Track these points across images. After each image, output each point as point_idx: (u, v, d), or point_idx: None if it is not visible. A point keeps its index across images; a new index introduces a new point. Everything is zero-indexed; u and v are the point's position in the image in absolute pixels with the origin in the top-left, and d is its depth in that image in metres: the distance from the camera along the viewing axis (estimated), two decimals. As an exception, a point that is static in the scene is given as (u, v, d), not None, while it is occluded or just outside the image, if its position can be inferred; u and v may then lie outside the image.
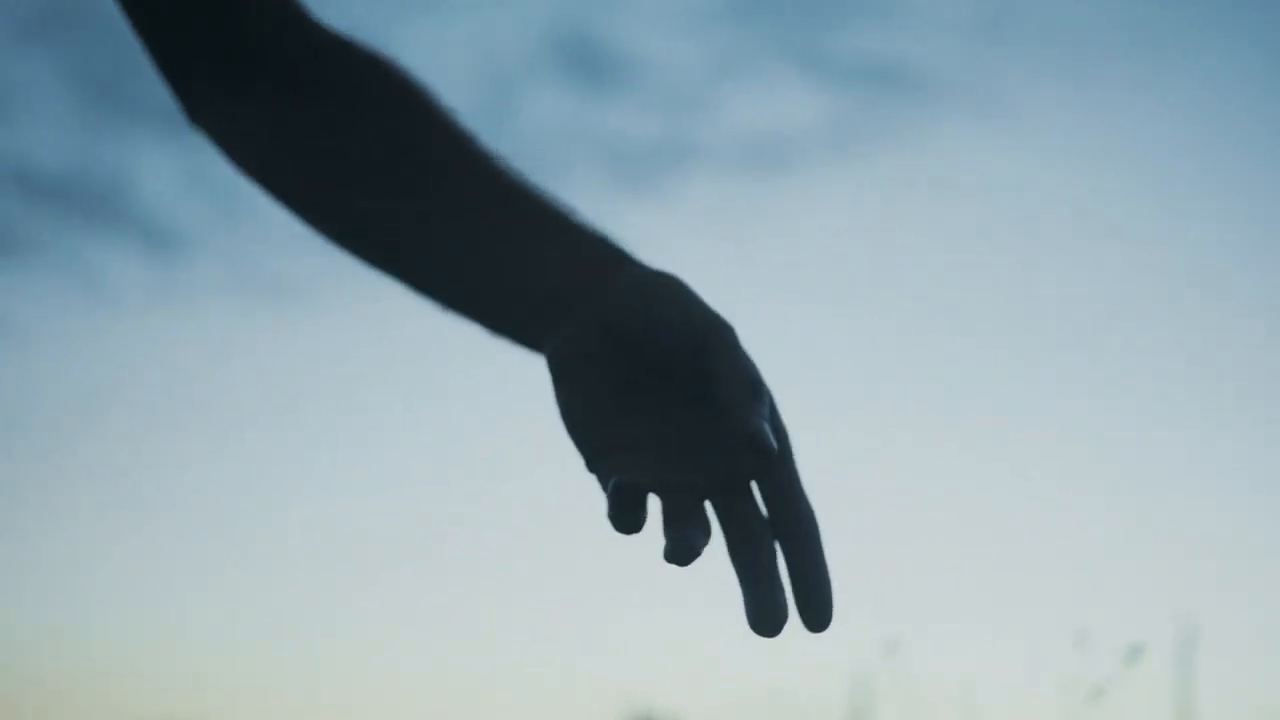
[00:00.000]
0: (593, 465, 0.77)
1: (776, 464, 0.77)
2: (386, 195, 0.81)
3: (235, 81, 0.84)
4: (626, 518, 0.73)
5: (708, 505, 0.77)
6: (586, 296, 0.79)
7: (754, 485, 0.77)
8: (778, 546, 0.76)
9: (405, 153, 0.82)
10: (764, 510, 0.77)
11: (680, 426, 0.77)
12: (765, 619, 0.74)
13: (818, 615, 0.75)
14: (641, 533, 0.75)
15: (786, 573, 0.76)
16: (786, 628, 0.74)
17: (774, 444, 0.73)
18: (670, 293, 0.78)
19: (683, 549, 0.72)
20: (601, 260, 0.80)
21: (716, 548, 0.78)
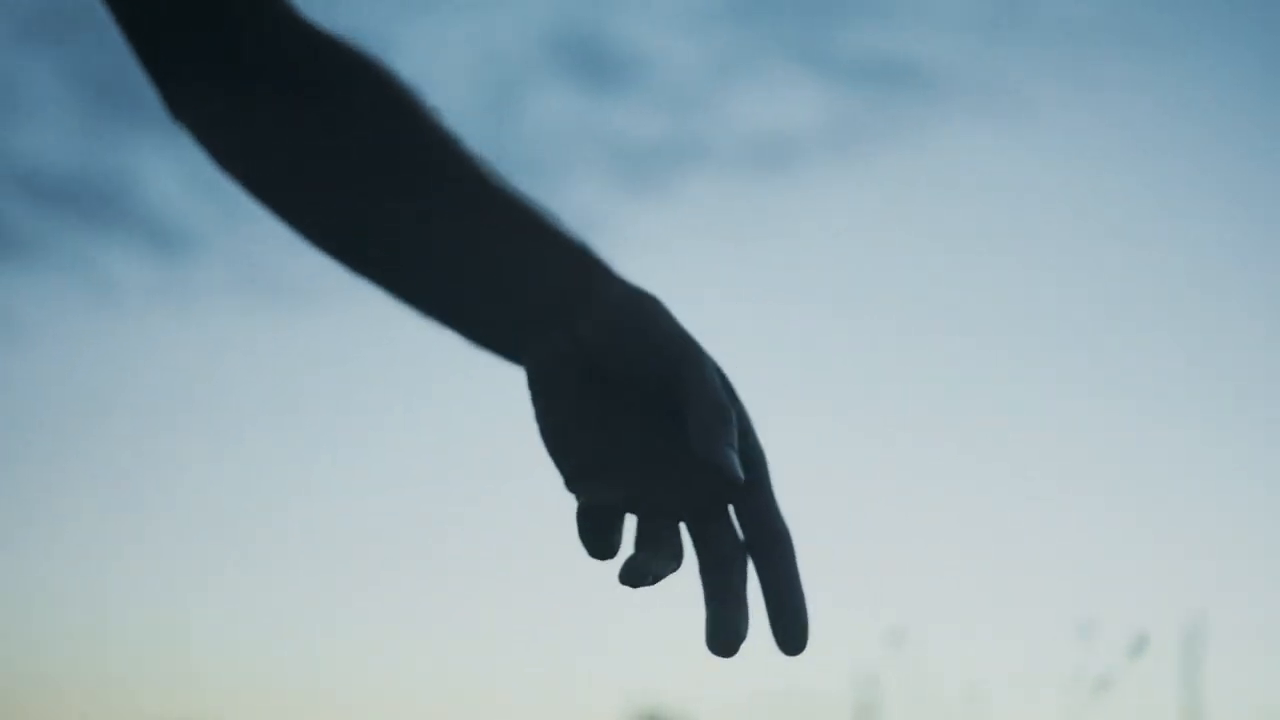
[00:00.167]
0: (570, 485, 0.77)
1: (751, 486, 0.76)
2: (368, 197, 0.81)
3: (217, 77, 0.83)
4: (594, 543, 0.73)
5: (683, 527, 0.76)
6: (562, 313, 0.79)
7: (730, 507, 0.76)
8: (753, 569, 0.76)
9: (388, 155, 0.81)
10: (740, 531, 0.76)
11: (654, 449, 0.76)
12: (720, 638, 0.73)
13: (793, 638, 0.74)
14: (616, 558, 0.74)
15: (762, 595, 0.75)
16: (743, 648, 0.73)
17: (740, 473, 0.72)
18: (643, 315, 0.77)
19: (634, 572, 0.72)
20: (581, 271, 0.79)
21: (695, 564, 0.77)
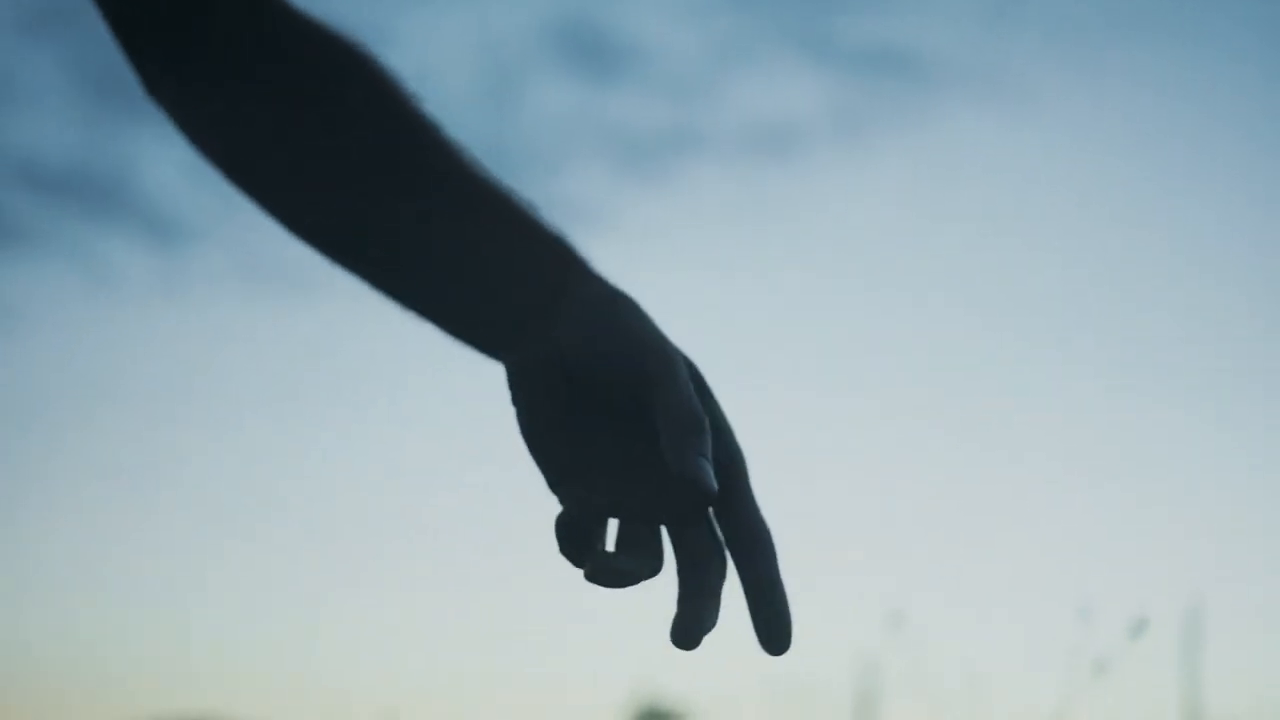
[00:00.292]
0: (553, 488, 0.76)
1: (729, 489, 0.76)
2: (355, 193, 0.80)
3: (196, 61, 0.82)
4: (572, 550, 0.73)
5: (663, 530, 0.76)
6: (540, 313, 0.78)
7: (710, 509, 0.76)
8: (734, 568, 0.76)
9: (375, 152, 0.80)
10: (719, 531, 0.77)
11: (633, 455, 0.76)
12: (682, 629, 0.73)
13: (775, 638, 0.74)
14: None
15: (743, 595, 0.75)
16: (705, 640, 0.74)
17: (713, 485, 0.72)
18: (618, 319, 0.77)
19: (604, 573, 0.72)
20: (558, 267, 0.79)
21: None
